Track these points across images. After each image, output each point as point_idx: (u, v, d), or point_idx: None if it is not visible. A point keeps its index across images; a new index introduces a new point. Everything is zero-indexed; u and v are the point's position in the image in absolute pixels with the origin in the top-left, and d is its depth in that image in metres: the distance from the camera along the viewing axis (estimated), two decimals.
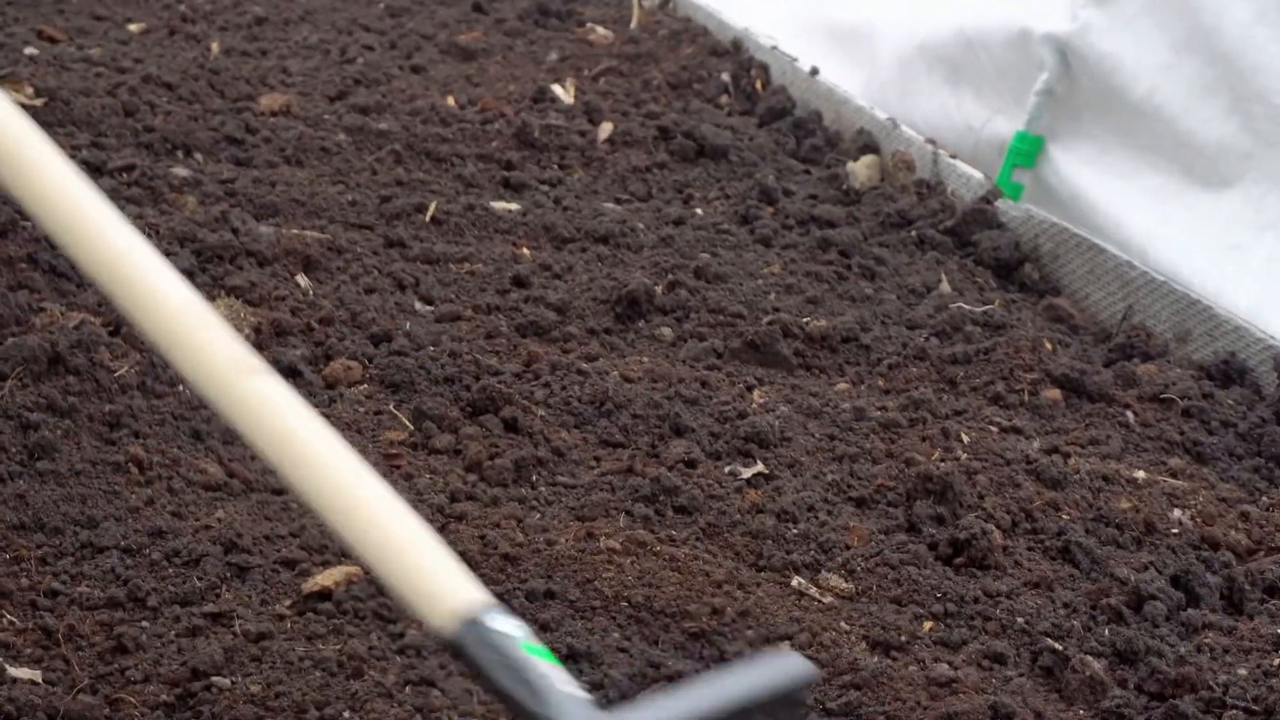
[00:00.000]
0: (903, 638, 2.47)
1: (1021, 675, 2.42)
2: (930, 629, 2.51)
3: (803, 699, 1.97)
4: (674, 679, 2.31)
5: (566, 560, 2.52)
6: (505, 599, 2.42)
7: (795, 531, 2.70)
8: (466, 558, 2.47)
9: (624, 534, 2.62)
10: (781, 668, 2.03)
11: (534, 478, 2.77)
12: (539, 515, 2.66)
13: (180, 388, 2.79)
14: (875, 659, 2.42)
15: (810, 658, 2.39)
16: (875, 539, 2.71)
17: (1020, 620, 2.53)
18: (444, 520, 2.60)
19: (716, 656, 2.39)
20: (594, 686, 2.26)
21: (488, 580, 2.46)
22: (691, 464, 2.85)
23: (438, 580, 1.89)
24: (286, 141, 3.90)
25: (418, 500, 2.65)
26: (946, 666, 2.41)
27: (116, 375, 2.79)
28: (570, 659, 2.32)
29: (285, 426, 1.83)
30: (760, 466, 2.87)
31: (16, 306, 2.90)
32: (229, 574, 2.39)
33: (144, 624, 2.27)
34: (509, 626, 1.90)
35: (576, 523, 2.64)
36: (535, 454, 2.80)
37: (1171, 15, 3.68)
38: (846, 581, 2.60)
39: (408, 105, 4.21)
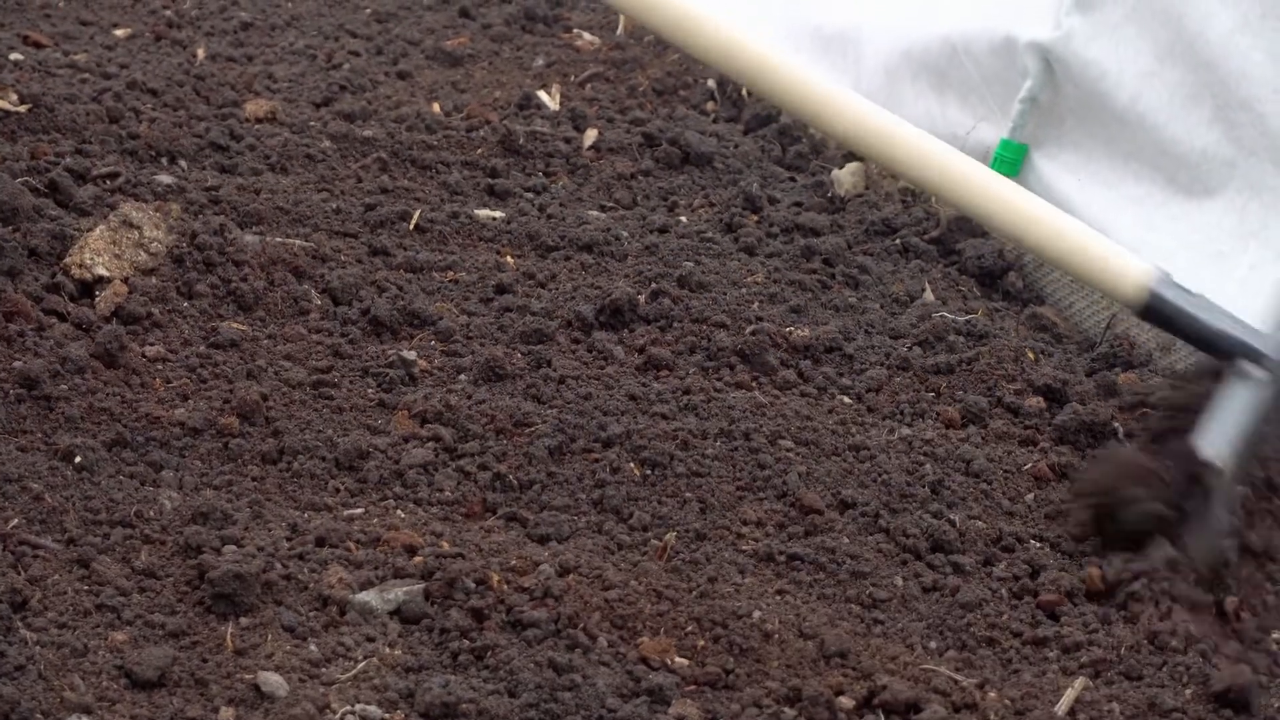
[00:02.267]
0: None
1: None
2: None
3: None
4: (654, 691, 2.32)
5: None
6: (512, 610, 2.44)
7: None
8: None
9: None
10: None
11: None
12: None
13: None
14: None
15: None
16: None
17: None
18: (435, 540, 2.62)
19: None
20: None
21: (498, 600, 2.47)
22: None
23: (1119, 260, 2.88)
24: (271, 149, 3.90)
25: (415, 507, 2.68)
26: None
27: None
28: (552, 670, 2.34)
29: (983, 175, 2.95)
30: None
31: None
32: None
33: None
34: (1186, 286, 2.88)
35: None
36: None
37: (1155, 23, 3.68)
38: None
39: (393, 112, 4.21)
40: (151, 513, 2.60)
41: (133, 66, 4.29)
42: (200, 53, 4.48)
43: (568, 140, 4.17)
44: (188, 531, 2.54)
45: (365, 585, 2.47)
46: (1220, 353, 2.84)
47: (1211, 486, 2.69)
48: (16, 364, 2.87)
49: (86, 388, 2.88)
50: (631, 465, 2.86)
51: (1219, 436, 2.71)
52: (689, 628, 2.48)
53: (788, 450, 2.95)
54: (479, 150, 4.06)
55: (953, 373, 3.29)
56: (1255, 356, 2.79)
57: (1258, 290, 3.42)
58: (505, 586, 2.49)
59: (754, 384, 3.19)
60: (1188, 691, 2.47)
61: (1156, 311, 2.90)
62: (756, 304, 3.46)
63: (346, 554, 2.55)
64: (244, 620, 2.39)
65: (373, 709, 2.23)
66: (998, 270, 3.78)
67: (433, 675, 2.31)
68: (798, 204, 4.00)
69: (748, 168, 4.18)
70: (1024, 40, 3.89)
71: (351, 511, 2.69)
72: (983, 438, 3.08)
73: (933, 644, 2.54)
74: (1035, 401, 3.21)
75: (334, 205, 3.68)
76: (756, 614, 2.51)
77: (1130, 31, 3.73)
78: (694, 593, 2.56)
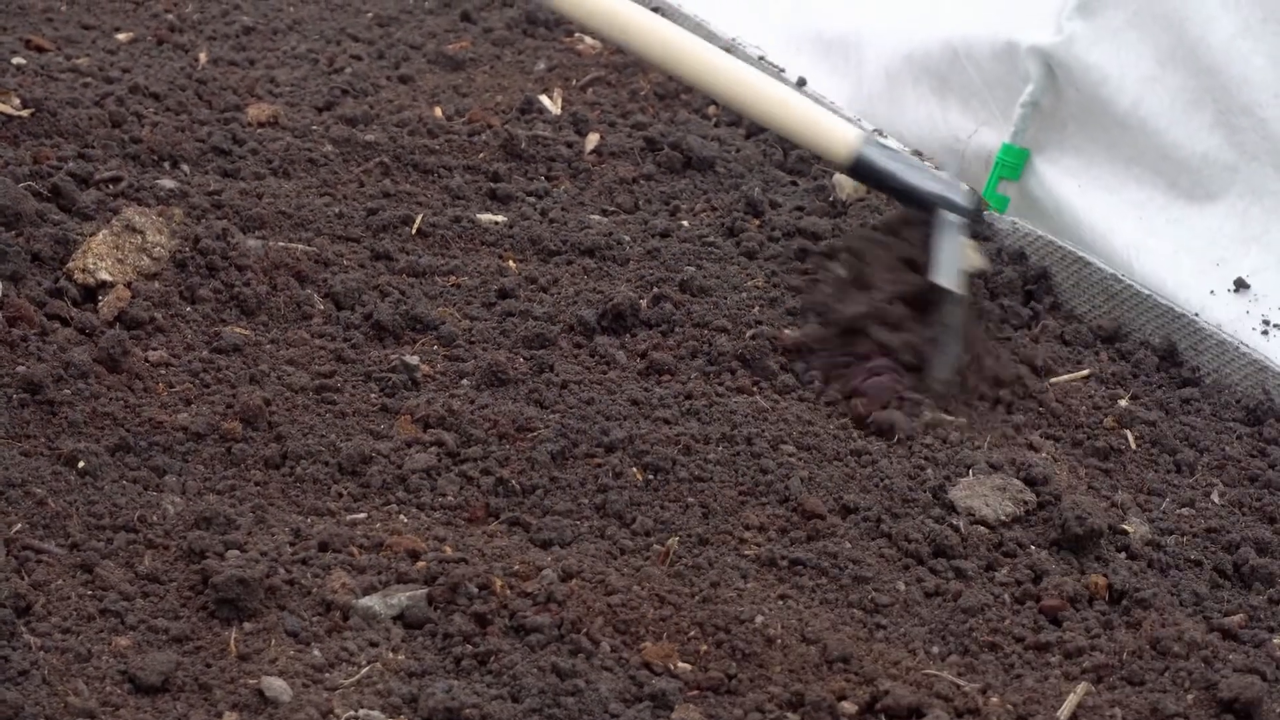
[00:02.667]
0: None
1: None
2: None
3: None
4: (657, 696, 2.32)
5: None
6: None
7: None
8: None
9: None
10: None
11: None
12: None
13: None
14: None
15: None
16: None
17: None
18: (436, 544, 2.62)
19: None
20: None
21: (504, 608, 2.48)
22: None
23: (830, 124, 3.29)
24: (274, 153, 3.90)
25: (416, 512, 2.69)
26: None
27: None
28: (555, 675, 2.34)
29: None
30: None
31: None
32: None
33: None
34: (890, 145, 3.33)
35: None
36: None
37: (1157, 28, 3.68)
38: None
39: (395, 116, 4.21)
40: (155, 518, 2.60)
41: (135, 71, 4.29)
42: (202, 57, 4.48)
43: (569, 144, 4.17)
44: (191, 536, 2.55)
45: (368, 590, 2.48)
46: (923, 205, 3.22)
47: (949, 311, 3.12)
48: (20, 369, 2.88)
49: (89, 392, 2.88)
50: (634, 470, 2.87)
51: (947, 269, 3.11)
52: (691, 633, 2.48)
53: (789, 455, 2.96)
54: (481, 154, 4.06)
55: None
56: (952, 206, 3.18)
57: (1260, 295, 3.43)
58: (508, 591, 2.49)
59: (755, 389, 3.19)
60: (1190, 697, 2.47)
61: (864, 170, 3.26)
62: (757, 308, 3.46)
63: (350, 559, 2.55)
64: (247, 625, 2.39)
65: (376, 714, 2.24)
66: None
67: (436, 680, 2.32)
68: (799, 208, 4.00)
69: (749, 172, 4.18)
70: (1026, 45, 3.89)
71: (354, 516, 2.69)
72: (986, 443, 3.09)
73: (935, 649, 2.54)
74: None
75: (336, 210, 3.68)
76: (759, 619, 2.51)
77: (1132, 36, 3.73)
78: (696, 598, 2.56)
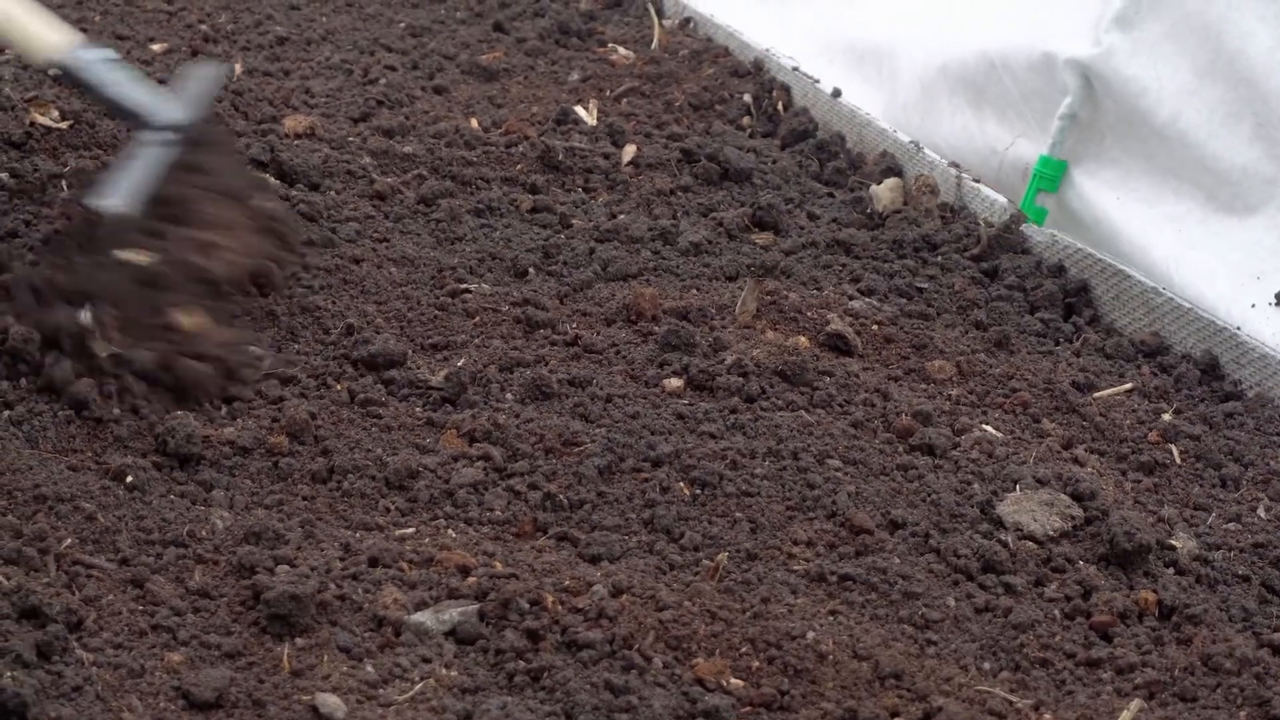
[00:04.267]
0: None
1: None
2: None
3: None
4: (711, 713, 2.32)
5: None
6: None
7: None
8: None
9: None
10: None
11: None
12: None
13: None
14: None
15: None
16: None
17: None
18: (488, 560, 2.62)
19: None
20: None
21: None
22: None
23: (39, 27, 3.15)
24: (312, 166, 3.89)
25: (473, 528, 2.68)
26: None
27: None
28: (609, 691, 2.33)
29: None
30: None
31: None
32: None
33: None
34: (103, 53, 3.23)
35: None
36: None
37: (1195, 40, 3.68)
38: None
39: (431, 127, 4.21)
40: (204, 532, 2.60)
41: (171, 82, 4.29)
42: (238, 68, 4.48)
43: (606, 156, 4.17)
44: (240, 551, 2.54)
45: (420, 606, 2.47)
46: (126, 119, 3.26)
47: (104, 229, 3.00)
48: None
49: (135, 407, 2.88)
50: (681, 485, 2.86)
51: (113, 190, 3.02)
52: (743, 649, 2.47)
53: (836, 469, 2.95)
54: (518, 166, 4.06)
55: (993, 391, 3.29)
56: (148, 125, 3.20)
57: None
58: (559, 607, 2.48)
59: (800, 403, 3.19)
60: (1243, 714, 2.47)
61: (73, 79, 3.23)
62: None
63: (400, 574, 2.54)
64: (300, 641, 2.39)
65: None
66: None
67: (490, 696, 2.31)
68: (835, 220, 4.00)
69: (786, 183, 4.17)
70: (1063, 57, 3.89)
71: (403, 531, 2.69)
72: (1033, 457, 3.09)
73: (986, 665, 2.54)
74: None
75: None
76: (810, 635, 2.50)
77: (1170, 49, 3.73)
78: (747, 613, 2.55)
